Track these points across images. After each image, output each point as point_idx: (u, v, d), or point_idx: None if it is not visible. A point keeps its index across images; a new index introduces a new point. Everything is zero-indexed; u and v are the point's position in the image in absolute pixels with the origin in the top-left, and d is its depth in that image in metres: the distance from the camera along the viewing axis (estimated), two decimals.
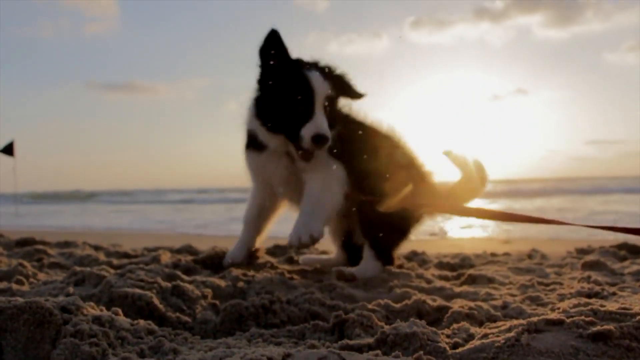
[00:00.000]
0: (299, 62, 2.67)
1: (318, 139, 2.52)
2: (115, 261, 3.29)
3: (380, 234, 2.86)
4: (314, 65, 2.68)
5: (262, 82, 2.71)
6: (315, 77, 2.59)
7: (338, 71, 2.74)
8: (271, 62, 2.64)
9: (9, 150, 13.91)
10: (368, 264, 2.87)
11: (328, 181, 2.75)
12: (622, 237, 4.43)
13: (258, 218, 3.15)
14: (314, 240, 2.63)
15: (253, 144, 2.84)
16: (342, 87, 2.74)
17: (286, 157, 2.78)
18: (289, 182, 2.86)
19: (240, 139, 2.98)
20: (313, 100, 2.56)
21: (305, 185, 2.79)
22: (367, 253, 2.89)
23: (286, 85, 2.59)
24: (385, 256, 2.93)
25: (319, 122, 2.53)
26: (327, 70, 2.69)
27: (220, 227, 10.33)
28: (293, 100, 2.56)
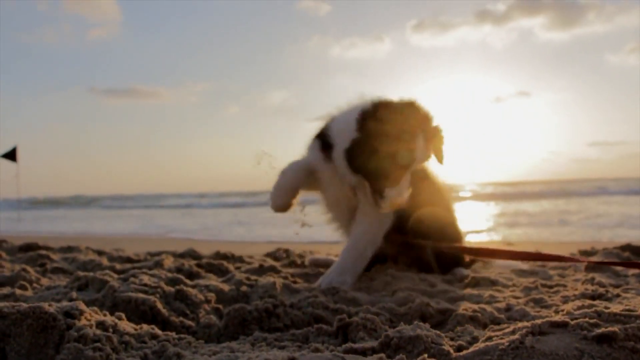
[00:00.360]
0: (406, 121, 2.64)
1: (392, 206, 2.65)
2: (118, 266, 3.30)
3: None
4: (429, 130, 2.69)
5: (365, 129, 2.64)
6: (419, 146, 2.62)
7: (440, 134, 2.75)
8: (379, 122, 2.62)
9: (12, 155, 13.94)
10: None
11: (374, 226, 2.90)
12: (625, 239, 4.42)
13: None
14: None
15: (327, 149, 2.85)
16: (436, 151, 2.79)
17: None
18: (341, 205, 2.99)
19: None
20: (408, 169, 2.65)
21: (355, 223, 2.93)
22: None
23: (389, 147, 2.60)
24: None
25: (402, 190, 2.63)
26: (431, 132, 2.71)
27: (223, 232, 10.34)
28: (391, 163, 2.60)
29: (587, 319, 1.52)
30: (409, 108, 2.67)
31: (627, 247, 3.82)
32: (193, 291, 2.28)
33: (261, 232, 9.92)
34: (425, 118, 2.69)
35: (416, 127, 2.62)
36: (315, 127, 2.99)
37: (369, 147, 2.61)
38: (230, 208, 21.52)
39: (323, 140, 2.86)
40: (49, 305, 1.63)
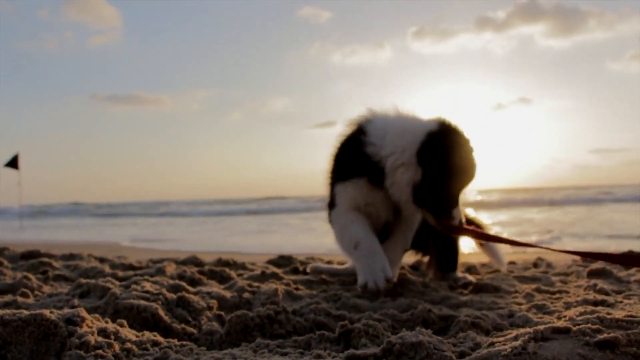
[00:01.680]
0: (464, 143, 2.59)
1: (461, 224, 2.68)
2: (120, 273, 3.29)
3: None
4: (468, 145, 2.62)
5: (431, 163, 2.51)
6: (476, 167, 2.63)
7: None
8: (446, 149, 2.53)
9: (13, 163, 13.97)
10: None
11: (411, 232, 2.90)
12: (627, 246, 4.41)
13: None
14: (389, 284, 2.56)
15: (375, 177, 2.63)
16: None
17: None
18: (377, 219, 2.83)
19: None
20: (465, 190, 2.67)
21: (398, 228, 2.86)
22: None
23: (457, 180, 2.59)
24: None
25: (461, 209, 2.68)
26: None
27: (225, 239, 10.33)
28: (457, 186, 2.62)
29: (589, 325, 1.52)
30: (458, 132, 2.59)
31: (630, 254, 3.81)
32: (195, 298, 2.28)
33: (264, 240, 9.93)
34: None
35: (471, 150, 2.61)
36: (346, 142, 2.75)
37: (437, 184, 2.52)
38: (232, 216, 21.51)
39: (371, 170, 2.60)
40: (51, 312, 1.63)
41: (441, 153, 2.49)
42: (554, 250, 2.56)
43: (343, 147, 2.77)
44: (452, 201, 2.62)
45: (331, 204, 2.81)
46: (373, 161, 2.58)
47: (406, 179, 2.53)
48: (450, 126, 2.57)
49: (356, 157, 2.64)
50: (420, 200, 2.55)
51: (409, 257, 3.53)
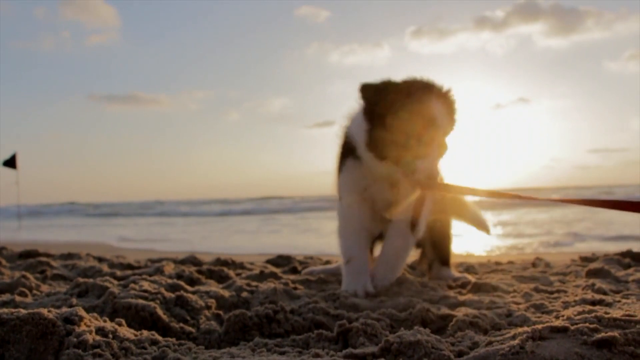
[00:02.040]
0: (422, 87, 2.55)
1: (430, 177, 2.58)
2: (118, 272, 3.29)
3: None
4: (438, 93, 2.57)
5: (376, 107, 2.55)
6: (440, 111, 2.53)
7: (455, 105, 2.64)
8: (387, 92, 2.54)
9: (11, 163, 13.96)
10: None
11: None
12: (626, 246, 4.41)
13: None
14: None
15: (353, 155, 2.73)
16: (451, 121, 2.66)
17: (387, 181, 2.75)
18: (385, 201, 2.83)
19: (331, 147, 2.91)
20: (433, 137, 2.52)
21: (393, 223, 2.84)
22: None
23: (408, 116, 2.49)
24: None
25: (433, 161, 2.56)
26: (449, 100, 2.61)
27: (224, 240, 10.33)
28: (414, 133, 2.50)
29: (587, 324, 1.52)
30: (414, 82, 2.56)
31: (628, 254, 3.81)
32: (193, 297, 2.28)
33: (262, 241, 9.93)
34: (445, 97, 2.58)
35: (426, 96, 2.51)
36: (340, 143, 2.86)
37: (381, 126, 2.53)
38: (229, 216, 21.51)
39: (354, 150, 2.70)
40: (48, 311, 1.62)
41: (375, 93, 2.55)
42: (552, 200, 2.42)
43: (339, 147, 2.88)
44: (406, 147, 2.51)
45: (339, 199, 2.91)
46: (352, 145, 2.70)
47: (360, 131, 2.62)
48: (388, 80, 2.58)
49: (344, 147, 2.79)
50: (371, 145, 2.57)
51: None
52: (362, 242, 2.79)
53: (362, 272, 2.69)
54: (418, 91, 2.51)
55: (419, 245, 3.35)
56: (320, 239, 9.65)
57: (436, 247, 3.29)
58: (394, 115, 2.49)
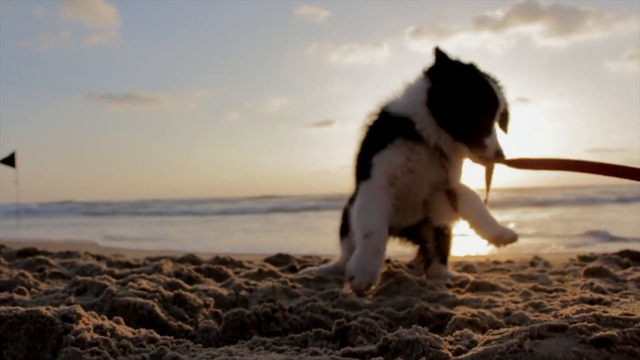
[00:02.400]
0: (481, 73, 2.68)
1: (499, 154, 2.60)
2: (117, 271, 3.29)
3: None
4: (493, 80, 2.70)
5: (443, 84, 2.63)
6: (500, 93, 2.66)
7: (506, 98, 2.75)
8: (455, 69, 2.63)
9: (10, 161, 13.93)
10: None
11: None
12: (624, 245, 4.42)
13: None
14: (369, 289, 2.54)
15: (407, 134, 2.69)
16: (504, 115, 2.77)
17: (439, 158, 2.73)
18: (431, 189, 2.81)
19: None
20: (495, 115, 2.64)
21: (462, 192, 2.79)
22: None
23: (475, 95, 2.59)
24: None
25: (498, 138, 2.63)
26: (502, 89, 2.73)
27: (222, 238, 10.33)
28: (481, 111, 2.60)
29: (585, 323, 1.52)
30: (479, 69, 2.68)
31: (626, 253, 3.82)
32: (192, 295, 2.27)
33: (262, 239, 9.93)
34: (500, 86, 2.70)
35: (494, 82, 2.66)
36: (375, 121, 2.82)
37: (455, 104, 2.58)
38: (228, 215, 21.49)
39: (404, 127, 2.68)
40: (47, 309, 1.62)
41: (447, 70, 2.61)
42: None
43: (373, 125, 2.84)
44: (477, 124, 2.59)
45: (362, 175, 2.78)
46: (403, 119, 2.68)
47: (422, 108, 2.63)
48: (467, 62, 2.66)
49: (389, 124, 2.73)
50: (444, 121, 2.60)
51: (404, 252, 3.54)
52: (385, 221, 2.64)
53: (379, 252, 2.53)
54: (488, 77, 2.65)
55: (418, 240, 3.34)
56: (320, 238, 9.65)
57: (440, 245, 3.28)
58: (472, 95, 2.57)
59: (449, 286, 2.91)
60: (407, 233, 3.30)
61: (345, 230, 3.34)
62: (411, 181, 2.72)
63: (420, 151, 2.68)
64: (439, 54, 2.64)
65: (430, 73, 2.67)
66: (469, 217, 2.70)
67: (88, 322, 1.66)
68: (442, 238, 3.26)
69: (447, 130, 2.62)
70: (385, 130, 2.74)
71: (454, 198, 2.77)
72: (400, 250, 3.44)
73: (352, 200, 2.98)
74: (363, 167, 2.78)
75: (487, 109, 2.60)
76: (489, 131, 2.61)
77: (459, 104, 2.58)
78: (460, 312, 2.07)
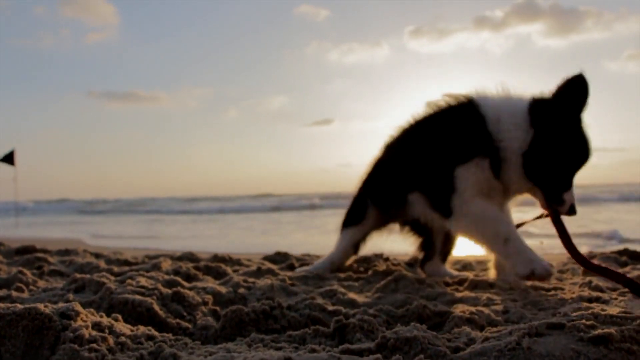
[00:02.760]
0: (581, 121, 2.49)
1: (572, 211, 2.49)
2: (115, 269, 3.29)
3: None
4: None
5: (548, 132, 2.43)
6: (590, 145, 2.48)
7: None
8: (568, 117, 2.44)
9: (9, 159, 13.92)
10: None
11: None
12: (623, 244, 4.43)
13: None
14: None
15: (495, 161, 2.53)
16: None
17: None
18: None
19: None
20: (581, 169, 2.49)
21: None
22: None
23: (575, 149, 2.44)
24: None
25: (574, 194, 2.49)
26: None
27: (221, 237, 10.32)
28: (575, 165, 2.46)
29: (583, 321, 1.52)
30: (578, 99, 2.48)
31: (625, 252, 3.82)
32: (190, 293, 2.27)
33: (261, 238, 9.92)
34: None
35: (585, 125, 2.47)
36: (460, 119, 2.61)
37: (551, 148, 2.42)
38: (227, 214, 21.48)
39: (492, 152, 2.52)
40: (45, 306, 1.62)
41: (555, 115, 2.41)
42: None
43: (458, 123, 2.66)
44: (564, 178, 2.46)
45: (447, 189, 2.64)
46: (493, 142, 2.52)
47: (518, 145, 2.45)
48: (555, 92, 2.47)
49: (477, 136, 2.55)
50: (530, 169, 2.43)
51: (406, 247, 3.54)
52: (509, 219, 2.58)
53: (528, 246, 2.49)
54: (587, 129, 2.46)
55: (424, 233, 3.28)
56: (318, 236, 9.65)
57: (446, 243, 3.23)
58: (573, 149, 2.42)
59: (447, 284, 2.91)
60: (415, 224, 3.22)
61: (353, 220, 3.30)
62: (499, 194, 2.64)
63: (491, 176, 2.57)
64: (577, 84, 2.46)
65: (540, 108, 2.47)
66: None
67: (86, 319, 1.66)
68: (450, 237, 3.21)
69: (528, 177, 2.49)
70: (471, 139, 2.57)
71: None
72: (399, 248, 3.44)
73: (367, 190, 3.02)
74: (436, 171, 2.67)
75: (579, 164, 2.47)
76: (570, 184, 2.48)
77: (557, 155, 2.43)
78: (458, 309, 2.07)
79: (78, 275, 2.54)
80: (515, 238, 2.50)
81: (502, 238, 2.50)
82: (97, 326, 1.65)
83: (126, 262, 3.76)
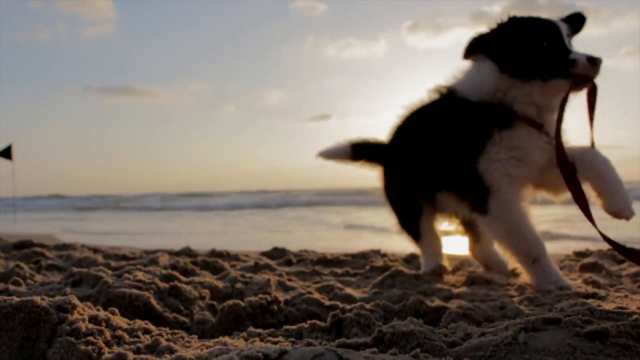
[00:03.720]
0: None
1: (593, 59, 2.36)
2: (113, 263, 3.29)
3: None
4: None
5: (503, 39, 2.50)
6: (553, 19, 2.52)
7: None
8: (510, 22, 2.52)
9: (7, 153, 13.88)
10: None
11: None
12: (621, 241, 4.41)
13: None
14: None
15: (499, 118, 2.49)
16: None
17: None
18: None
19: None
20: (562, 38, 2.45)
21: (583, 158, 2.48)
22: None
23: (533, 31, 2.45)
24: None
25: (582, 53, 2.40)
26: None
27: (218, 232, 10.32)
28: (545, 40, 2.43)
29: (579, 316, 1.52)
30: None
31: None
32: (187, 288, 2.27)
33: (259, 234, 9.93)
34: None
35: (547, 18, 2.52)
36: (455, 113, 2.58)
37: (518, 50, 2.46)
38: (224, 209, 21.47)
39: (497, 114, 2.49)
40: (42, 299, 1.62)
41: (516, 25, 2.52)
42: None
43: (448, 116, 2.66)
44: (548, 53, 2.42)
45: (480, 188, 2.54)
46: (484, 103, 2.52)
47: (495, 75, 2.51)
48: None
49: (472, 119, 2.54)
50: (510, 66, 2.47)
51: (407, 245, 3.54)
52: (536, 231, 2.51)
53: (556, 270, 2.51)
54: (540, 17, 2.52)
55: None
56: (316, 232, 9.66)
57: None
58: (526, 32, 2.46)
59: (444, 280, 2.92)
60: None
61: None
62: (526, 171, 2.54)
63: (519, 134, 2.49)
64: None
65: (483, 48, 2.57)
66: (593, 186, 2.48)
67: (83, 312, 1.66)
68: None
69: (527, 76, 2.45)
70: (473, 123, 2.54)
71: (570, 168, 2.42)
72: (399, 246, 3.44)
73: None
74: (457, 170, 2.62)
75: (547, 35, 2.45)
76: (567, 50, 2.42)
77: (521, 46, 2.46)
78: (455, 305, 2.07)
79: (75, 270, 2.54)
80: (545, 261, 2.49)
81: (533, 257, 2.50)
82: (93, 319, 1.65)
83: (124, 257, 3.76)
